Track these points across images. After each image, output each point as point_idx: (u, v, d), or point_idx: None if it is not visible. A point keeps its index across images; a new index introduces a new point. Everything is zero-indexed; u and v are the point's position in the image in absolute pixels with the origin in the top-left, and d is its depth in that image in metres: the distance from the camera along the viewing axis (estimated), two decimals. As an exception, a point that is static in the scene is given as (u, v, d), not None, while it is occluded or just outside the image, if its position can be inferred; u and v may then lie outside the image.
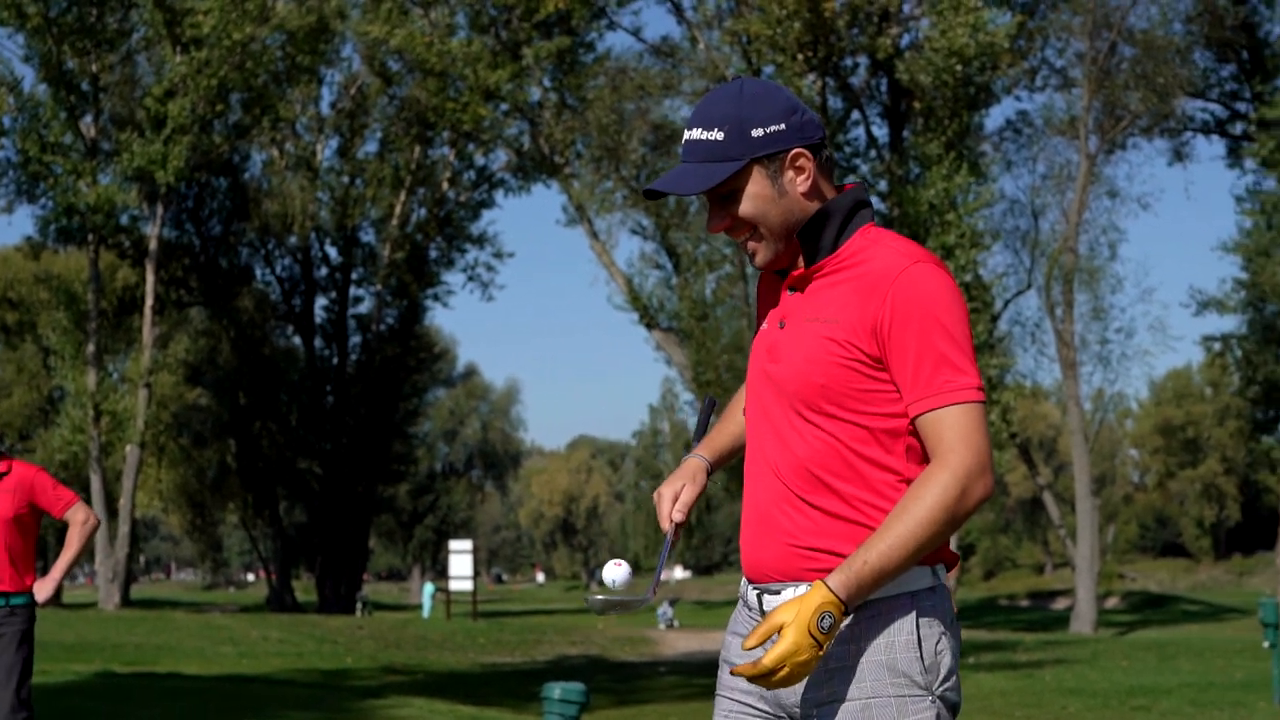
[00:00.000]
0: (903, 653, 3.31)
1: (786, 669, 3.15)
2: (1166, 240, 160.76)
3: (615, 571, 3.83)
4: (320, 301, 60.14)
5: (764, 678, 3.17)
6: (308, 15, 49.97)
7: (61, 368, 49.99)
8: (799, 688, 3.35)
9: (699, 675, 27.52)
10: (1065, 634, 43.02)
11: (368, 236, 59.60)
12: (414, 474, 78.27)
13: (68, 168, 46.81)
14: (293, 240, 58.39)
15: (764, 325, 3.59)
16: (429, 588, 60.91)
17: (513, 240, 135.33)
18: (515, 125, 49.19)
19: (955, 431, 3.23)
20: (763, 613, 3.44)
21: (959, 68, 38.50)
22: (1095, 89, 45.44)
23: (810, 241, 3.44)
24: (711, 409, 3.95)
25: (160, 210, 49.55)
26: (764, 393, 3.51)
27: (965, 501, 3.20)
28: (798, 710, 3.38)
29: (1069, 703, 20.53)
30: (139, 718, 15.90)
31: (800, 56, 39.97)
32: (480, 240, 59.91)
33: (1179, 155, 51.51)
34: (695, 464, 3.91)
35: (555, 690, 9.99)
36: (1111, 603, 65.62)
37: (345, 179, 57.94)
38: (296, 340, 61.39)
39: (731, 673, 3.39)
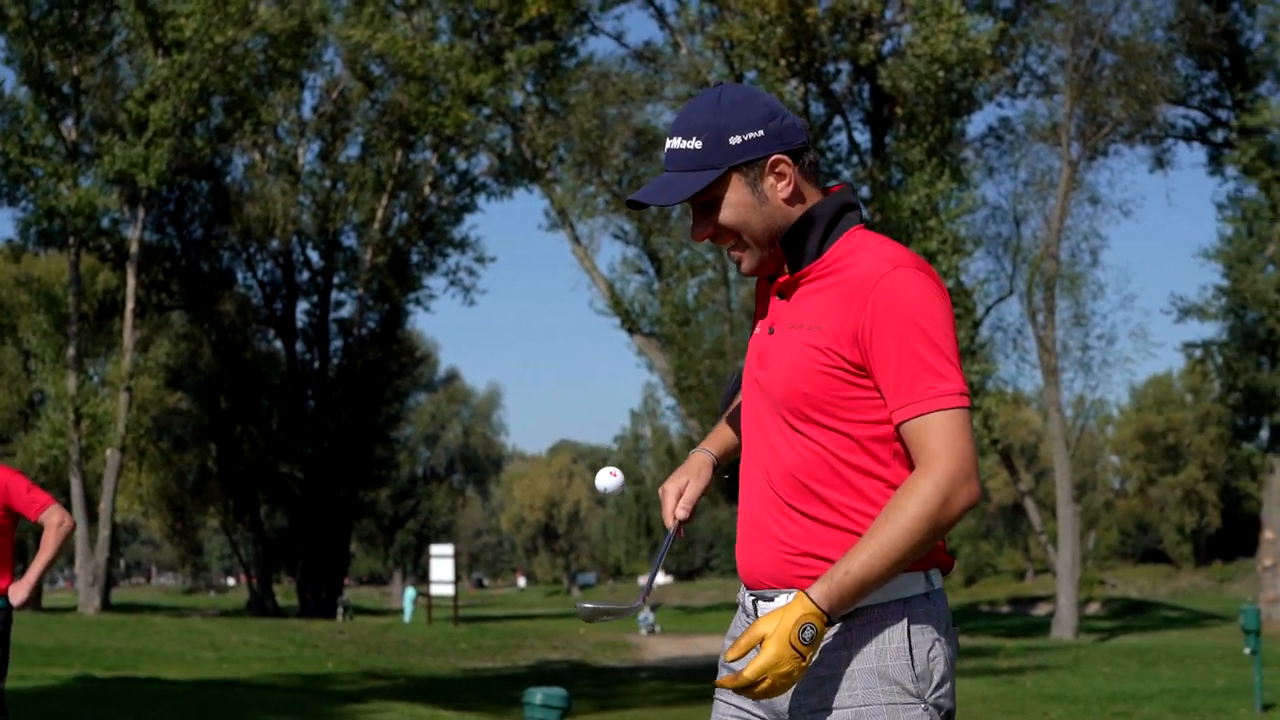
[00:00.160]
0: (894, 660, 3.28)
1: (768, 681, 3.13)
2: (1148, 247, 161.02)
3: (609, 480, 3.82)
4: (302, 305, 60.13)
5: (747, 689, 3.15)
6: (290, 19, 49.92)
7: (42, 371, 49.91)
8: (791, 694, 3.33)
9: (681, 680, 27.49)
10: (1046, 640, 43.06)
11: (349, 240, 59.59)
12: (395, 478, 78.20)
13: (48, 170, 46.71)
14: (274, 244, 58.31)
15: (756, 330, 3.56)
16: (410, 592, 60.83)
17: (494, 245, 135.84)
18: (497, 129, 49.20)
19: (938, 439, 3.19)
20: (758, 618, 3.43)
21: (941, 74, 38.58)
22: (1077, 96, 45.50)
23: (794, 248, 3.41)
24: (738, 386, 3.91)
25: (141, 213, 49.45)
26: (755, 399, 3.49)
27: (948, 509, 3.17)
28: (790, 717, 3.36)
29: (1051, 709, 20.53)
30: (118, 722, 15.85)
31: (783, 62, 40.04)
32: (462, 244, 59.89)
33: (1160, 162, 51.62)
34: (700, 459, 3.89)
35: (537, 695, 9.96)
36: (1092, 609, 65.68)
37: (327, 183, 57.88)
38: (278, 344, 61.32)
39: (715, 684, 3.37)
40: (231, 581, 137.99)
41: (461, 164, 58.37)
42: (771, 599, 3.39)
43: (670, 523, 3.76)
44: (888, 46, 43.28)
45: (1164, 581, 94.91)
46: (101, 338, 55.09)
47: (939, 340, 3.23)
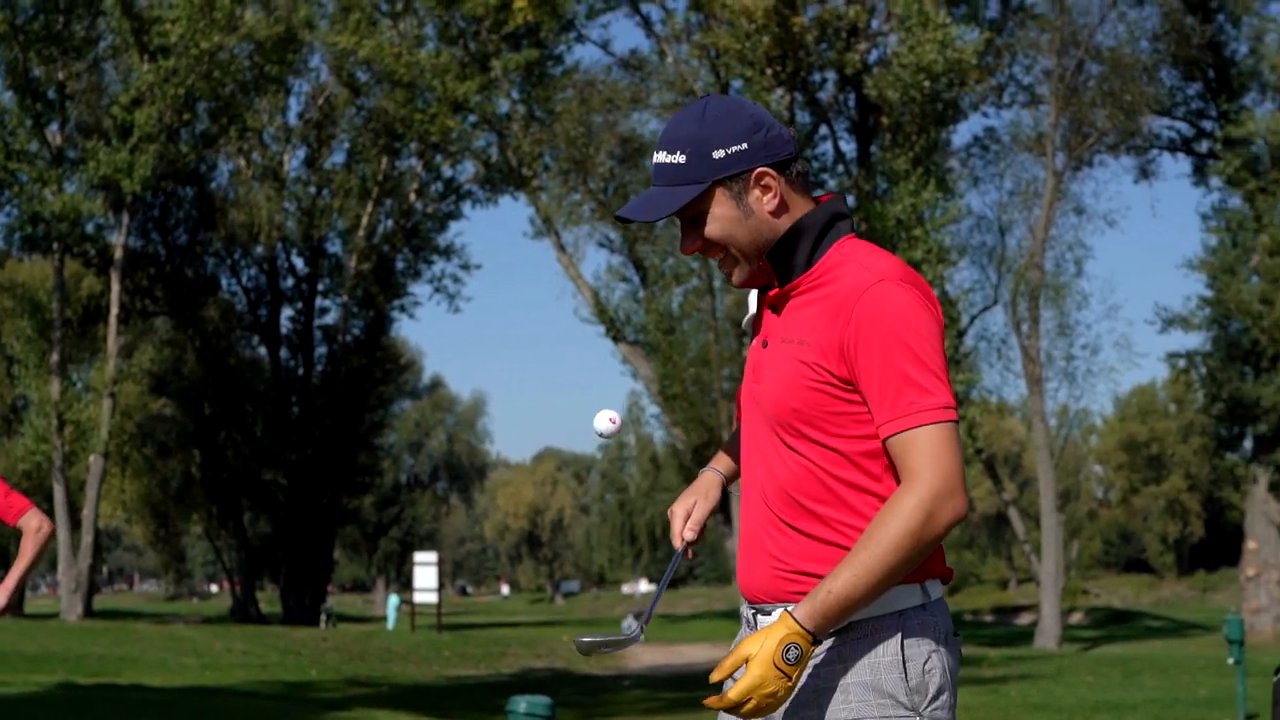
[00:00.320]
0: (887, 673, 3.28)
1: (754, 701, 3.13)
2: (1132, 257, 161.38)
3: (607, 425, 3.83)
4: (286, 312, 60.00)
5: (734, 710, 3.15)
6: (276, 25, 49.87)
7: (25, 377, 49.80)
8: (788, 707, 3.32)
9: (665, 689, 27.47)
10: (1029, 649, 43.06)
11: (334, 247, 59.48)
12: (379, 486, 78.11)
13: (33, 176, 46.59)
14: (259, 250, 58.21)
15: (754, 342, 3.56)
16: (394, 600, 60.76)
17: (480, 252, 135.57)
18: (483, 137, 49.25)
19: (921, 455, 3.18)
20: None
21: (927, 84, 38.65)
22: (1062, 106, 45.56)
23: (782, 261, 3.40)
24: None
25: (126, 219, 49.37)
26: (751, 414, 3.50)
27: (932, 525, 3.15)
28: None
29: (1034, 718, 20.54)
30: (101, 729, 15.81)
31: (769, 71, 40.07)
32: (447, 252, 59.83)
33: (1145, 173, 51.71)
34: (709, 479, 3.90)
35: (521, 704, 9.93)
36: (1075, 618, 65.70)
37: (312, 189, 57.77)
38: (262, 351, 61.23)
39: (703, 703, 3.38)
40: (214, 588, 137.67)
41: (447, 171, 58.33)
42: (770, 613, 3.39)
43: (678, 544, 3.76)
44: (874, 56, 43.36)
45: (1147, 591, 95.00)
46: (85, 343, 54.94)
47: (923, 354, 3.21)
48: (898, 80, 38.81)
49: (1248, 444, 51.11)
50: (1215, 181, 50.07)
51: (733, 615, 37.63)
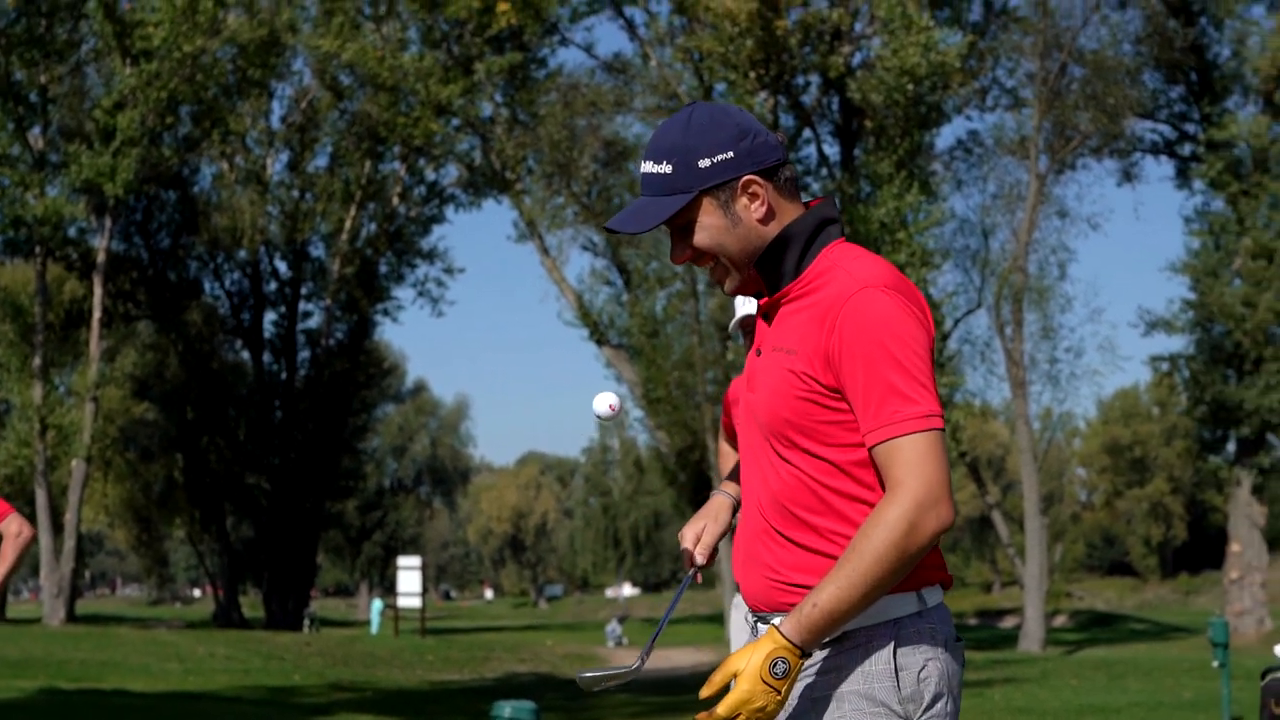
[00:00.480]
0: (879, 682, 3.26)
1: (743, 716, 3.12)
2: (1116, 260, 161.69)
3: (606, 410, 3.83)
4: (269, 316, 59.90)
5: None
6: (259, 28, 49.79)
7: (7, 381, 49.58)
8: (785, 717, 3.31)
9: (649, 693, 27.44)
10: (1013, 652, 43.09)
11: (317, 251, 59.36)
12: (362, 490, 78.01)
13: (15, 179, 46.44)
14: (242, 254, 58.10)
15: (750, 350, 3.55)
16: (377, 604, 60.69)
17: (463, 256, 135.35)
18: (466, 140, 49.18)
19: (903, 464, 3.15)
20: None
21: (910, 87, 38.65)
22: (1045, 109, 45.63)
23: (770, 269, 3.38)
24: None
25: (108, 223, 49.23)
26: (748, 423, 3.48)
27: (915, 536, 3.13)
28: None
29: (1019, 721, 20.55)
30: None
31: (752, 74, 40.07)
32: (430, 255, 59.75)
33: (1128, 176, 51.78)
34: (719, 501, 3.90)
35: (505, 709, 9.89)
36: (1059, 621, 65.83)
37: (295, 193, 57.67)
38: (245, 355, 61.11)
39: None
40: (197, 593, 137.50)
41: (430, 175, 58.24)
42: (769, 621, 3.38)
43: (689, 567, 3.76)
44: (857, 59, 43.38)
45: (1130, 594, 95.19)
46: (68, 347, 54.77)
47: (906, 361, 3.18)
48: (881, 83, 38.82)
49: (1231, 447, 51.19)
50: (1198, 184, 50.19)
51: (716, 620, 37.63)
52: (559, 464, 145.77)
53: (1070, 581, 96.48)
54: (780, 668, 3.11)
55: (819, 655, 3.29)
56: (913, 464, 3.15)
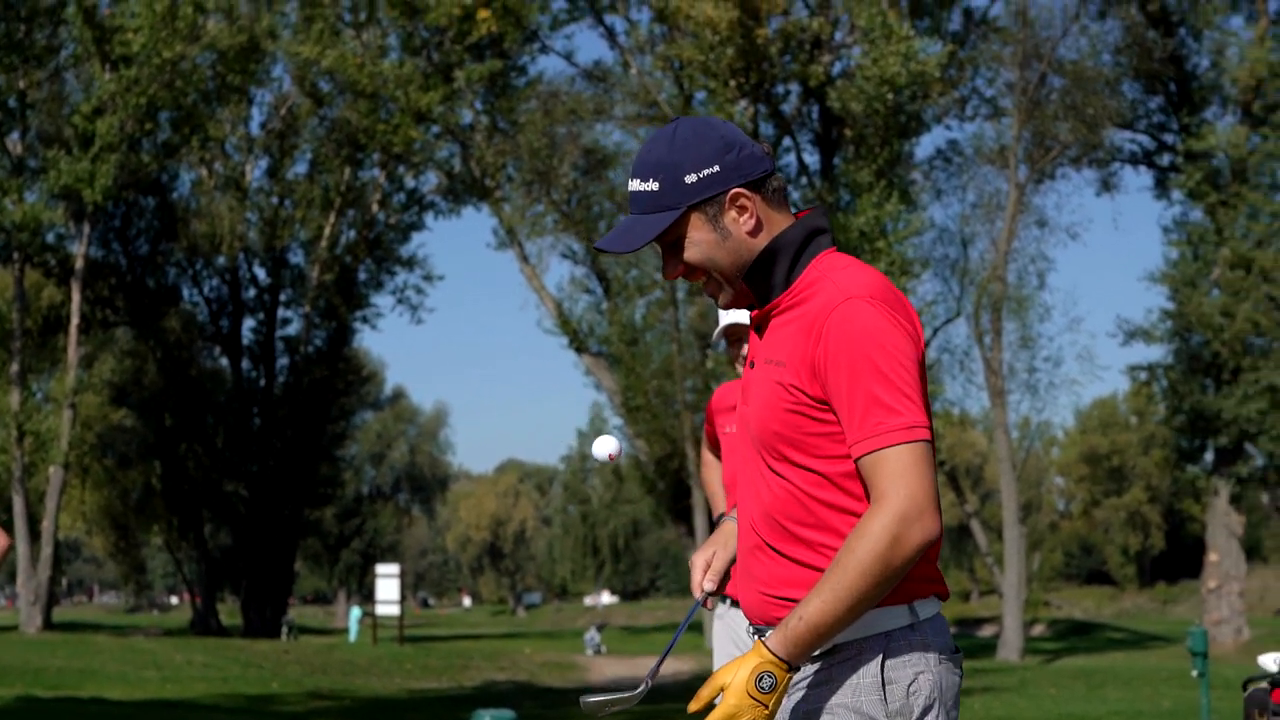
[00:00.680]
0: (867, 695, 3.26)
1: None
2: (1095, 270, 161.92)
3: (605, 457, 3.84)
4: (248, 323, 59.78)
5: None
6: (238, 35, 49.73)
7: (-16, 387, 49.44)
8: None
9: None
10: (992, 661, 43.14)
11: (296, 258, 59.28)
12: (341, 497, 77.83)
13: (-7, 186, 46.34)
14: (221, 261, 57.98)
15: (746, 364, 3.55)
16: (356, 612, 60.56)
17: (442, 263, 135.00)
18: (446, 148, 49.16)
19: (887, 476, 3.14)
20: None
21: (890, 96, 38.68)
22: (1025, 119, 45.72)
23: (759, 282, 3.37)
24: None
25: (87, 229, 49.10)
26: (744, 437, 3.48)
27: (900, 549, 3.11)
28: None
29: (997, 731, 20.57)
30: (60, 743, 15.68)
31: (732, 83, 40.11)
32: (410, 263, 59.69)
33: (1107, 185, 51.86)
34: (729, 528, 3.91)
35: (484, 717, 9.89)
36: (1038, 630, 65.88)
37: (274, 200, 57.58)
38: (223, 361, 61.00)
39: None
40: (175, 600, 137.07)
41: (410, 182, 58.20)
42: (764, 634, 3.35)
43: (698, 593, 3.77)
44: (837, 68, 43.41)
45: (1108, 603, 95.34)
46: (45, 354, 54.64)
47: (891, 373, 3.17)
48: (861, 92, 38.85)
49: (1209, 456, 51.30)
50: (1177, 195, 50.29)
51: (696, 628, 37.55)
52: (538, 472, 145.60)
53: (1048, 590, 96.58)
54: (767, 682, 3.11)
55: (809, 669, 3.29)
56: (896, 475, 3.13)
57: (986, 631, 67.67)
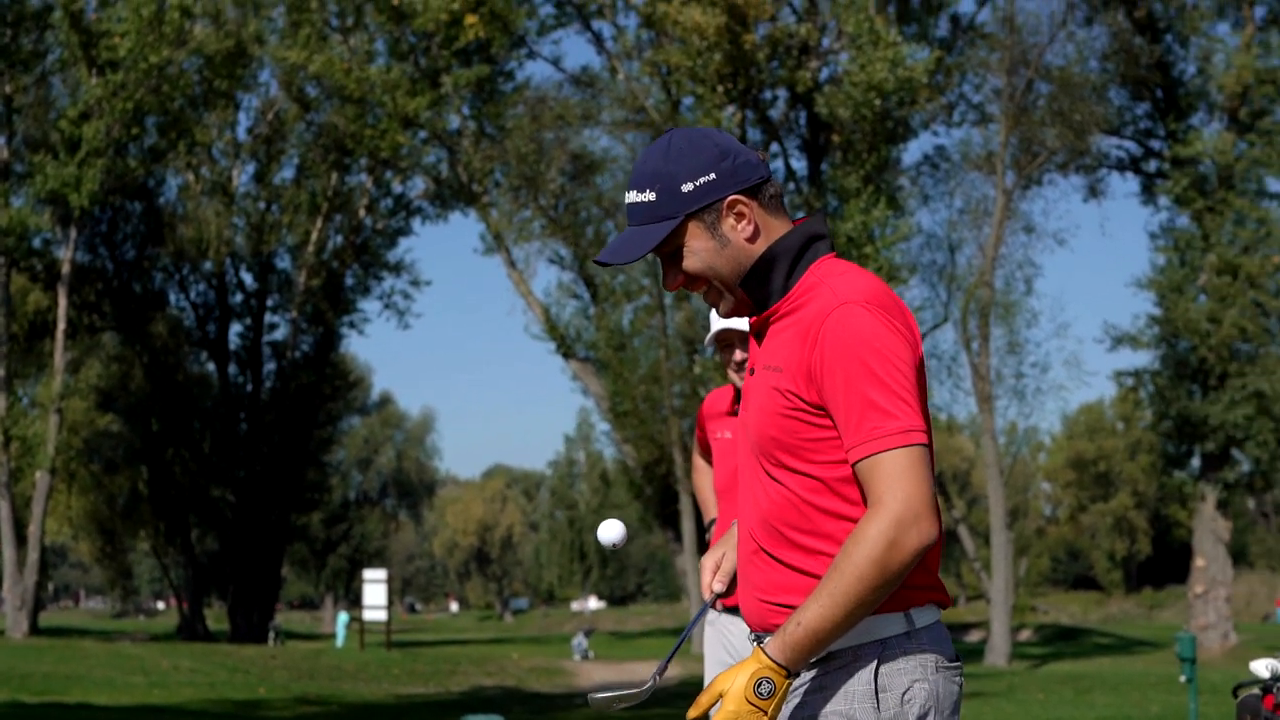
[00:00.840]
0: (860, 702, 3.26)
1: None
2: (1082, 276, 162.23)
3: (609, 545, 3.85)
4: (235, 328, 59.72)
5: None
6: (225, 40, 49.71)
7: (-29, 392, 49.34)
8: None
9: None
10: (979, 666, 43.14)
11: (283, 263, 59.22)
12: (328, 502, 77.74)
13: (-21, 190, 46.29)
14: (208, 266, 57.92)
15: (746, 370, 3.56)
16: (343, 617, 60.51)
17: (430, 268, 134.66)
18: (434, 153, 49.19)
19: (883, 481, 3.15)
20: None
21: (877, 102, 38.72)
22: (1012, 125, 45.75)
23: (756, 288, 3.37)
24: None
25: (73, 234, 49.03)
26: (743, 443, 3.48)
27: (896, 553, 3.11)
28: None
29: (985, 736, 20.57)
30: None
31: (720, 88, 40.12)
32: (397, 268, 59.67)
33: (1094, 191, 51.91)
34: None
35: (474, 723, 9.88)
36: (1024, 635, 65.87)
37: (261, 205, 57.52)
38: (210, 367, 60.92)
39: None
40: (161, 605, 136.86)
41: (397, 187, 58.22)
42: (763, 640, 3.36)
43: (707, 595, 3.77)
44: (825, 74, 43.46)
45: (1095, 608, 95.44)
46: (32, 359, 54.55)
47: (886, 377, 3.17)
48: (848, 98, 38.88)
49: (1195, 462, 51.33)
50: (1163, 201, 50.31)
51: (681, 632, 37.44)
52: (525, 477, 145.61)
53: (1035, 595, 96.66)
54: (765, 688, 3.11)
55: (807, 675, 3.30)
56: (892, 480, 3.13)
57: (974, 637, 67.68)
